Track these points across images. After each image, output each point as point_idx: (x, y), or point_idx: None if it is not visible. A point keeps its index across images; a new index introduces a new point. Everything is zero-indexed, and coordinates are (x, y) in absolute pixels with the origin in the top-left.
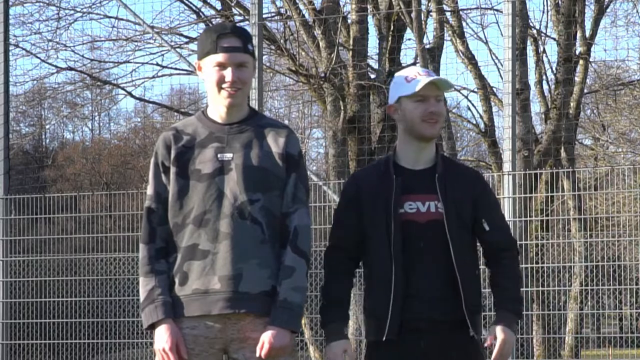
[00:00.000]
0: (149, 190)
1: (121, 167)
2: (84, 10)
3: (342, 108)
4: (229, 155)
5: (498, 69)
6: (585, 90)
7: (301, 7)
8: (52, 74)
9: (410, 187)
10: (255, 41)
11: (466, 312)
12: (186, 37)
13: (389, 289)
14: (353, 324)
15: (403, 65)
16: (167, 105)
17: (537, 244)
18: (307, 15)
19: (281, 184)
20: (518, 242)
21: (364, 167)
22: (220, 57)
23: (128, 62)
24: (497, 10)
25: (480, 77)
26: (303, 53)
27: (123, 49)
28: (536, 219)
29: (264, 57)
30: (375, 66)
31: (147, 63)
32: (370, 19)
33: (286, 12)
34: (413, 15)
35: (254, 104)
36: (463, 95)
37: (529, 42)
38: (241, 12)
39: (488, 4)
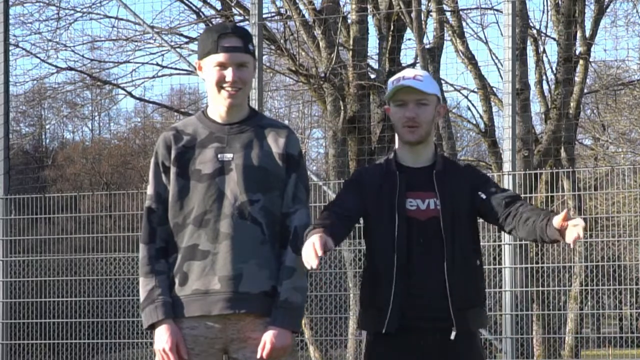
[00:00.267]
0: (149, 190)
1: (121, 167)
2: (84, 10)
3: (342, 108)
4: (229, 156)
5: (498, 69)
6: (585, 90)
7: (301, 7)
8: (52, 74)
9: (410, 184)
10: (255, 41)
11: (452, 308)
12: (186, 37)
13: (390, 282)
14: (353, 323)
15: (403, 65)
16: (167, 105)
17: (537, 243)
18: (307, 15)
19: (281, 184)
20: (518, 242)
21: (367, 166)
22: (221, 56)
23: (128, 62)
24: (497, 10)
25: (480, 77)
26: (303, 53)
27: (123, 49)
28: None
29: (264, 57)
30: (375, 66)
31: (147, 63)
32: (370, 19)
33: (286, 12)
34: (413, 15)
35: (254, 104)
36: (463, 95)
37: (529, 42)
38: (241, 12)
39: (488, 4)
